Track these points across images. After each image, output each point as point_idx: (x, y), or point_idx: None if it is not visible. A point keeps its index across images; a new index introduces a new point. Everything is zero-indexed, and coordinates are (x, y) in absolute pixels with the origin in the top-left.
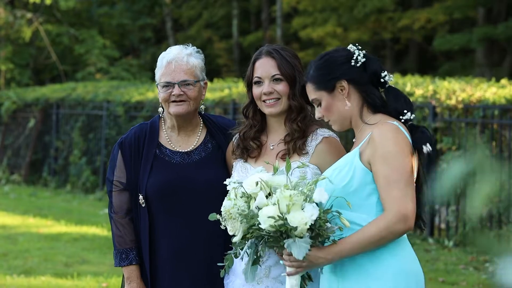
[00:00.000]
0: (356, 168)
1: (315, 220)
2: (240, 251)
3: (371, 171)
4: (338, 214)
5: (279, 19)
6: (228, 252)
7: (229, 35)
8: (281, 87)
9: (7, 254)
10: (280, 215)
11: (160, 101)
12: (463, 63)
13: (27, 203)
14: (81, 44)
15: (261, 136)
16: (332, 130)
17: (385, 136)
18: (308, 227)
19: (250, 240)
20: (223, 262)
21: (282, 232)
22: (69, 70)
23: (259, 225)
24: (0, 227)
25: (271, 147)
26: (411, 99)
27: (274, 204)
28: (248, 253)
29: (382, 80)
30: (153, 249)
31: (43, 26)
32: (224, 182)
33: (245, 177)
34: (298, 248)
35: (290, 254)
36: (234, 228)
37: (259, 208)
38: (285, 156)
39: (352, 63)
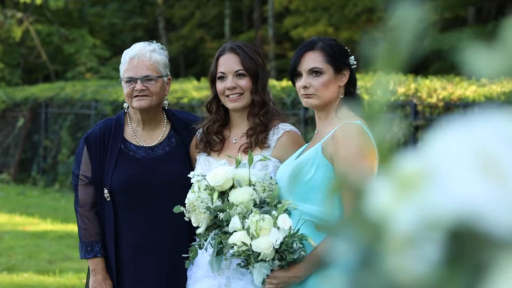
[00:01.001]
0: (319, 163)
1: (281, 244)
2: (204, 242)
3: (331, 165)
4: (303, 236)
5: (270, 18)
6: (192, 243)
7: (221, 34)
8: (244, 82)
9: None
10: (247, 241)
11: (124, 96)
12: (453, 63)
13: (14, 202)
14: (71, 43)
15: (224, 131)
16: (294, 124)
17: (348, 137)
18: (274, 250)
19: (213, 232)
20: (187, 254)
21: (249, 256)
22: (59, 69)
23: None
24: None
25: (234, 141)
26: (394, 97)
27: (245, 229)
28: (212, 244)
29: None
30: (118, 241)
31: (33, 25)
32: (188, 175)
33: (208, 170)
34: (257, 273)
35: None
36: (198, 220)
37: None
38: (248, 149)
39: (351, 62)
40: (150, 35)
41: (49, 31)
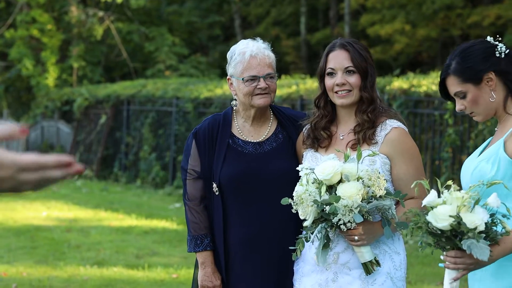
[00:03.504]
0: (500, 159)
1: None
2: (311, 235)
3: None
4: (501, 219)
5: (347, 16)
6: (299, 236)
7: (297, 32)
8: (354, 79)
9: (80, 246)
10: (457, 215)
11: (240, 94)
12: None
13: (98, 198)
14: (151, 41)
15: (331, 127)
16: (402, 122)
17: None
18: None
19: (320, 225)
20: (294, 246)
21: (454, 233)
22: (139, 67)
23: (429, 224)
24: (73, 221)
25: (341, 137)
26: None
27: (444, 203)
28: (318, 237)
29: None
30: (226, 235)
31: (114, 24)
32: (297, 168)
33: (315, 166)
34: (481, 250)
35: (456, 256)
36: (305, 213)
37: (431, 208)
38: (355, 145)
39: (497, 55)
40: (227, 33)
41: (129, 29)
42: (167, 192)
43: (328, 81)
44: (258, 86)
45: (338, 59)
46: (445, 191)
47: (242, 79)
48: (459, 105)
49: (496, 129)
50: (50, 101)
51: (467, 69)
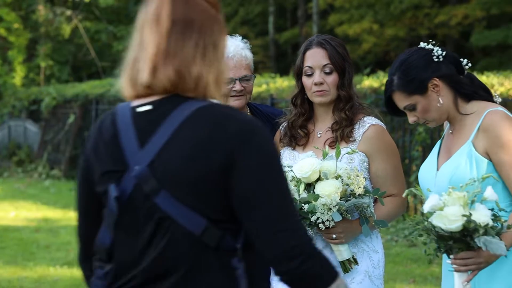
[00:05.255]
0: (476, 159)
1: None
2: None
3: (488, 160)
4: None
5: (315, 15)
6: None
7: (265, 32)
8: (332, 77)
9: (50, 246)
10: (470, 214)
11: None
12: (500, 59)
13: (67, 197)
14: (119, 41)
15: (308, 125)
16: (379, 119)
17: (498, 124)
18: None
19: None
20: None
21: (465, 233)
22: (107, 66)
23: (437, 228)
24: (42, 221)
25: (319, 135)
26: None
27: (445, 205)
28: None
29: (462, 67)
30: None
31: (82, 23)
32: None
33: (294, 164)
34: (496, 245)
35: (467, 257)
36: None
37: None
38: (334, 143)
39: (436, 60)
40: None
41: (97, 28)
42: None
43: (306, 80)
44: (233, 89)
45: (315, 58)
46: (443, 193)
47: None
48: (412, 118)
49: (450, 131)
50: (18, 101)
51: (411, 82)
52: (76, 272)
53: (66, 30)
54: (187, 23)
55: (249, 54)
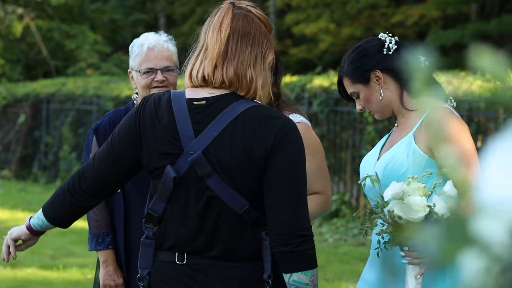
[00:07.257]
0: (414, 154)
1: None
2: None
3: (429, 156)
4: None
5: (272, 15)
6: None
7: None
8: None
9: None
10: (434, 204)
11: (139, 87)
12: (456, 59)
13: (16, 198)
14: (72, 39)
15: None
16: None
17: (442, 120)
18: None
19: None
20: None
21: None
22: (60, 65)
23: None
24: None
25: None
26: None
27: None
28: None
29: None
30: (128, 232)
31: (34, 21)
32: None
33: None
34: None
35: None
36: None
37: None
38: None
39: (385, 52)
40: (151, 32)
41: (50, 27)
42: None
43: None
44: (155, 79)
45: None
46: (401, 183)
47: (139, 71)
48: (358, 105)
49: (396, 125)
50: None
51: (355, 69)
52: (19, 273)
53: (18, 28)
54: (244, 34)
55: (172, 47)
